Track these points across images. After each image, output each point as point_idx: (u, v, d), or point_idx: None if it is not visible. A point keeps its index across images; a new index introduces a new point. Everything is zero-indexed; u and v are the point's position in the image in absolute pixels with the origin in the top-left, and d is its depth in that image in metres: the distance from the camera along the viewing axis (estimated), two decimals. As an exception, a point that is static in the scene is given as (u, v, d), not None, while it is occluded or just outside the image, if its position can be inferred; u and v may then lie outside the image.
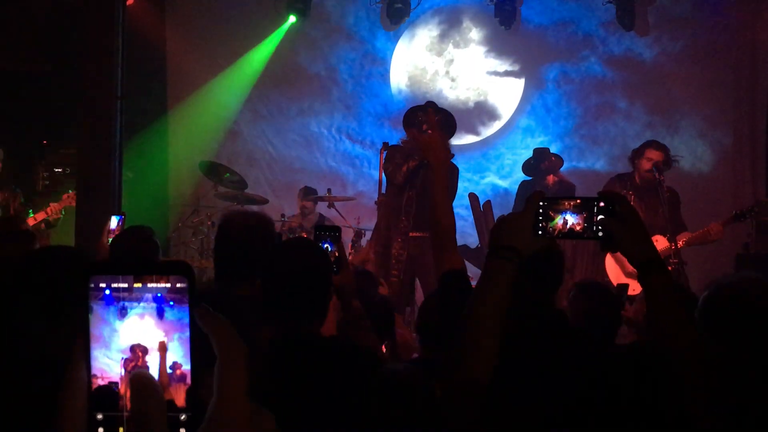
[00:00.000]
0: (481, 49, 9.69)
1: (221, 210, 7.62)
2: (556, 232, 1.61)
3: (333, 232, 2.74)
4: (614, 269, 6.06)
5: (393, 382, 2.10)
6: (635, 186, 6.09)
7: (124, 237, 3.71)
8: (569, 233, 1.61)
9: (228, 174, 7.95)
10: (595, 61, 9.43)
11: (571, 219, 1.60)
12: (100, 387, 0.80)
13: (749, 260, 6.49)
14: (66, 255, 2.10)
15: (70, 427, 0.81)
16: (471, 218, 7.62)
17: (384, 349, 2.97)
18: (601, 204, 1.59)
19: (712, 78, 8.99)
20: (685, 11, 9.15)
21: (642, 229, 1.61)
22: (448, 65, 9.74)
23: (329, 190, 8.17)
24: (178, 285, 0.80)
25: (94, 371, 0.80)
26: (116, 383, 0.80)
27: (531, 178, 7.79)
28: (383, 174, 5.89)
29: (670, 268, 5.40)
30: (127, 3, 6.65)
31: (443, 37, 9.73)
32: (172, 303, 0.80)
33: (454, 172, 5.70)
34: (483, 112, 9.70)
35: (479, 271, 1.70)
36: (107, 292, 0.80)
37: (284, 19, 9.21)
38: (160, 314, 0.80)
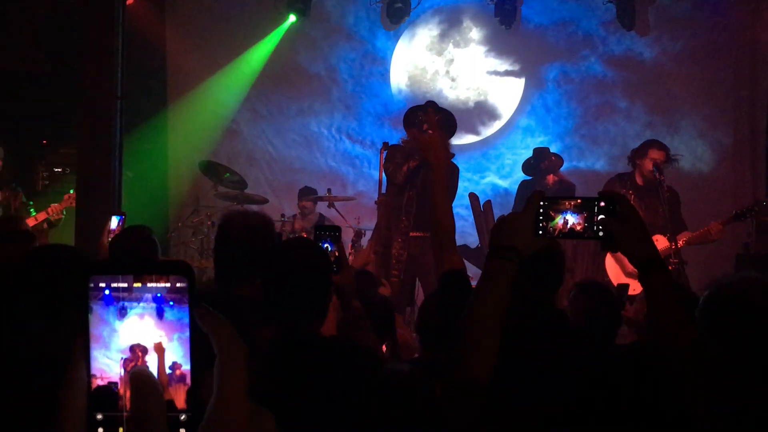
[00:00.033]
0: (481, 49, 9.69)
1: (221, 210, 7.62)
2: (556, 232, 1.61)
3: (333, 232, 2.74)
4: (614, 269, 6.06)
5: (393, 382, 2.09)
6: (635, 186, 6.09)
7: (123, 237, 3.71)
8: (570, 233, 1.61)
9: (228, 174, 7.95)
10: (595, 61, 9.43)
11: (572, 219, 1.60)
12: (100, 387, 0.80)
13: (749, 260, 6.49)
14: (65, 254, 2.10)
15: (70, 427, 0.81)
16: (471, 218, 7.62)
17: (384, 349, 2.97)
18: (602, 204, 1.59)
19: (712, 78, 8.99)
20: (685, 11, 9.14)
21: (642, 229, 1.61)
22: (448, 65, 9.74)
23: (329, 190, 8.17)
24: (178, 285, 0.80)
25: (93, 371, 0.80)
26: (116, 383, 0.80)
27: (531, 177, 7.79)
28: (383, 174, 5.88)
29: (670, 267, 5.40)
30: (127, 3, 6.64)
31: (443, 36, 9.73)
32: (171, 303, 0.80)
33: (454, 171, 5.70)
34: (483, 111, 9.70)
35: (479, 271, 1.70)
36: (107, 292, 0.80)
37: (284, 18, 9.21)
38: (159, 314, 0.80)
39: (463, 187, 7.51)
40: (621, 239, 1.59)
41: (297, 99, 9.57)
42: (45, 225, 6.28)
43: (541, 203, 1.61)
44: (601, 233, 1.59)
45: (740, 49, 8.92)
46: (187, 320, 0.80)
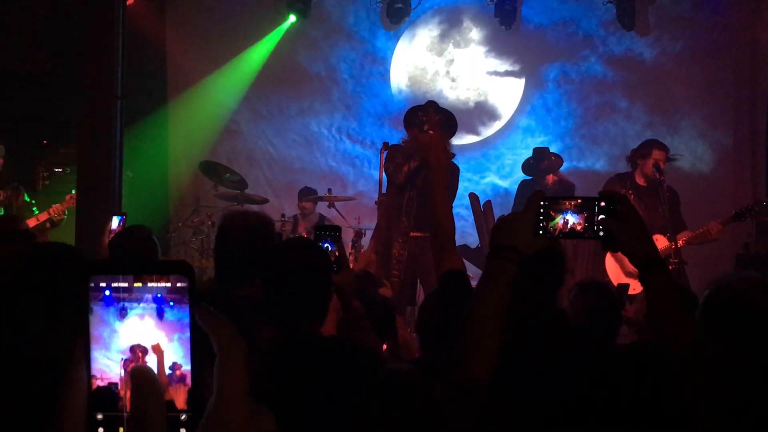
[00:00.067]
0: (482, 49, 9.69)
1: (221, 210, 7.62)
2: (556, 232, 1.61)
3: (333, 232, 2.74)
4: (614, 269, 6.06)
5: (393, 382, 2.10)
6: (635, 185, 6.09)
7: (123, 237, 3.71)
8: (570, 233, 1.61)
9: (228, 174, 7.95)
10: (596, 61, 9.43)
11: (572, 219, 1.60)
12: (100, 388, 0.80)
13: (749, 260, 6.48)
14: (65, 253, 2.10)
15: (70, 427, 0.81)
16: (471, 218, 7.62)
17: (384, 349, 2.97)
18: (602, 203, 1.59)
19: (712, 78, 8.99)
20: (685, 11, 9.14)
21: (643, 229, 1.61)
22: (448, 65, 9.74)
23: (329, 190, 8.18)
24: (179, 284, 0.80)
25: (93, 372, 0.80)
26: (116, 384, 0.80)
27: (531, 177, 7.79)
28: (383, 174, 5.88)
29: (670, 267, 5.40)
30: (127, 3, 6.64)
31: (443, 37, 9.73)
32: (172, 303, 0.80)
33: (454, 172, 5.70)
34: (483, 112, 9.70)
35: (479, 271, 1.70)
36: (107, 292, 0.80)
37: (284, 18, 9.21)
38: (160, 315, 0.80)
39: (464, 187, 7.51)
40: (621, 239, 1.59)
41: (297, 99, 9.57)
42: (48, 225, 6.29)
43: (542, 203, 1.61)
44: (601, 233, 1.59)
45: (740, 49, 8.92)
46: (187, 320, 0.80)
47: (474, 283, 2.11)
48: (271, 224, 2.95)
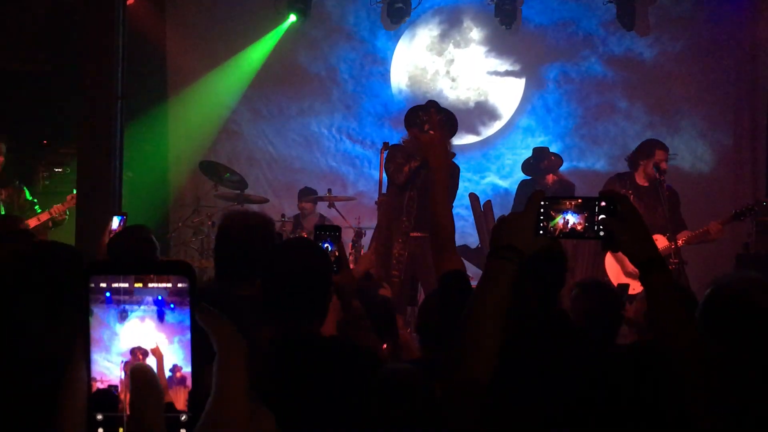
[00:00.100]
0: (482, 49, 9.68)
1: (221, 210, 7.62)
2: (557, 232, 1.61)
3: (333, 232, 2.74)
4: (614, 269, 6.06)
5: (393, 382, 2.09)
6: (635, 185, 6.09)
7: (122, 237, 3.70)
8: (570, 233, 1.61)
9: (228, 174, 7.95)
10: (596, 61, 9.43)
11: (572, 218, 1.60)
12: (100, 390, 0.80)
13: (749, 260, 6.48)
14: (64, 252, 2.10)
15: (70, 428, 0.81)
16: (471, 218, 7.62)
17: (384, 348, 2.97)
18: (602, 203, 1.59)
19: (712, 78, 8.99)
20: (685, 11, 9.14)
21: (643, 228, 1.61)
22: (448, 65, 9.74)
23: (329, 190, 8.18)
24: (179, 285, 0.80)
25: (93, 374, 0.80)
26: (116, 386, 0.80)
27: (530, 177, 7.79)
28: (384, 174, 5.88)
29: (670, 267, 5.40)
30: (128, 3, 6.64)
31: (444, 36, 9.73)
32: (172, 306, 0.80)
33: (455, 171, 5.70)
34: (483, 112, 9.70)
35: (479, 271, 1.70)
36: (108, 294, 0.79)
37: (284, 18, 9.21)
38: (160, 317, 0.80)
39: (464, 187, 7.51)
40: (621, 239, 1.59)
41: (297, 99, 9.57)
42: (50, 224, 6.30)
43: (542, 203, 1.61)
44: (601, 233, 1.59)
45: (740, 49, 8.92)
46: (188, 323, 0.80)
47: (474, 283, 2.11)
48: (271, 224, 2.95)
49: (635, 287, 5.25)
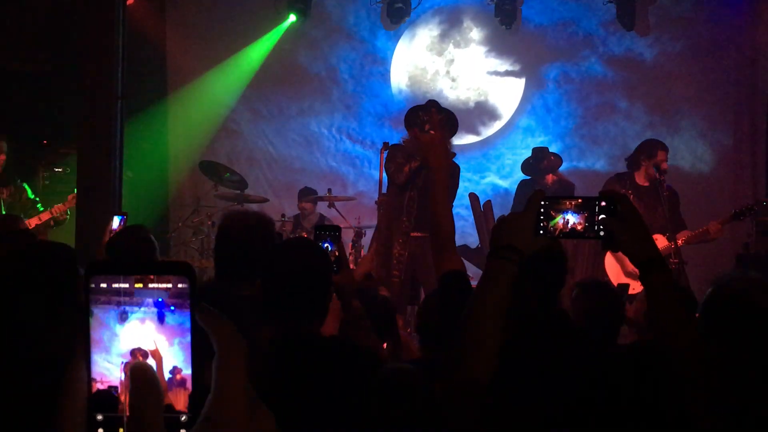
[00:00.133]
0: (482, 49, 9.68)
1: (221, 210, 7.62)
2: (557, 232, 1.61)
3: (333, 232, 2.73)
4: (614, 269, 6.06)
5: (393, 382, 2.09)
6: (635, 185, 6.09)
7: (121, 237, 3.69)
8: (570, 233, 1.61)
9: (228, 174, 7.95)
10: (596, 61, 9.43)
11: (573, 218, 1.60)
12: (100, 391, 0.80)
13: (749, 260, 6.48)
14: (60, 251, 2.10)
15: (70, 428, 0.81)
16: (471, 218, 7.62)
17: (384, 347, 2.97)
18: (603, 203, 1.59)
19: (712, 78, 8.99)
20: (685, 11, 9.14)
21: (643, 228, 1.61)
22: (448, 65, 9.74)
23: (329, 190, 8.18)
24: (180, 286, 0.80)
25: (93, 375, 0.80)
26: (116, 387, 0.80)
27: (530, 177, 7.79)
28: (384, 174, 5.88)
29: (670, 267, 5.39)
30: (128, 3, 6.64)
31: (444, 36, 9.73)
32: (173, 308, 0.80)
33: (455, 171, 5.70)
34: (483, 112, 9.70)
35: (479, 271, 1.70)
36: (108, 295, 0.79)
37: (284, 17, 9.21)
38: (160, 319, 0.80)
39: (464, 187, 7.51)
40: (621, 239, 1.59)
41: (297, 99, 9.57)
42: (52, 223, 6.30)
43: (542, 203, 1.61)
44: (601, 233, 1.59)
45: (740, 49, 8.92)
46: (188, 325, 0.80)
47: (474, 283, 2.11)
48: (271, 224, 2.95)
49: (635, 287, 5.25)
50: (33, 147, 7.80)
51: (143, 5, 8.40)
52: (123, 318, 0.80)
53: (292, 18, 9.19)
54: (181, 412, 0.80)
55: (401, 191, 5.64)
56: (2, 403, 1.66)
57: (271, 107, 9.60)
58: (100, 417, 0.80)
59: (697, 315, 1.98)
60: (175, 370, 0.80)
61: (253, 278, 2.47)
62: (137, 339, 0.80)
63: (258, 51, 9.32)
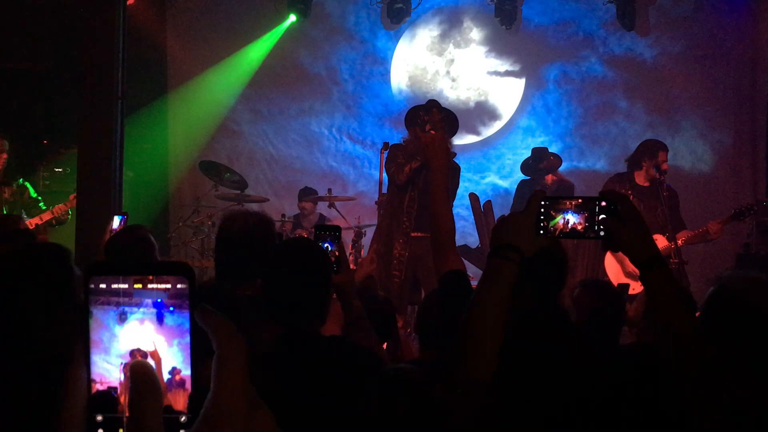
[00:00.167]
0: (482, 49, 9.69)
1: (221, 210, 7.62)
2: (557, 232, 1.61)
3: (333, 232, 2.73)
4: (614, 269, 6.06)
5: (393, 382, 2.09)
6: (634, 185, 6.09)
7: (120, 237, 3.69)
8: (571, 233, 1.60)
9: (228, 174, 7.95)
10: (596, 61, 9.43)
11: (573, 218, 1.60)
12: (99, 392, 0.80)
13: (749, 260, 6.49)
14: (53, 250, 2.10)
15: (70, 429, 0.81)
16: (471, 218, 7.62)
17: (384, 347, 2.97)
18: (603, 203, 1.59)
19: (712, 78, 8.99)
20: (685, 11, 9.15)
21: (643, 228, 1.61)
22: (448, 65, 9.74)
23: (329, 190, 8.18)
24: (179, 286, 0.80)
25: (93, 376, 0.80)
26: (115, 388, 0.80)
27: (529, 177, 7.79)
28: (384, 174, 5.88)
29: (670, 267, 5.39)
30: (128, 2, 6.64)
31: (444, 37, 9.73)
32: (172, 308, 0.79)
33: (455, 171, 5.70)
34: (483, 112, 9.70)
35: (479, 271, 1.70)
36: (107, 296, 0.79)
37: (284, 17, 9.21)
38: (159, 320, 0.79)
39: (464, 187, 7.51)
40: (622, 239, 1.59)
41: (298, 99, 9.57)
42: (54, 222, 6.31)
43: (542, 203, 1.61)
44: (602, 233, 1.59)
45: (741, 49, 8.92)
46: (187, 326, 0.80)
47: (474, 283, 2.10)
48: (272, 224, 2.95)
49: (635, 287, 5.26)
50: (33, 147, 7.81)
51: (143, 5, 8.40)
52: (122, 319, 0.79)
53: (292, 18, 9.19)
54: (180, 413, 0.80)
55: (401, 191, 5.64)
56: (2, 404, 1.66)
57: (271, 107, 9.60)
58: (99, 418, 0.80)
59: (697, 314, 1.98)
60: (174, 371, 0.80)
61: (253, 278, 2.47)
62: (136, 340, 0.79)
63: (258, 51, 9.33)
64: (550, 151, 7.94)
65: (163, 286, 0.79)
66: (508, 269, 1.59)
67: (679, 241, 5.82)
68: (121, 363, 0.80)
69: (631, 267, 5.34)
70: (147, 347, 0.80)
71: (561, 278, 2.10)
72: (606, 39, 9.40)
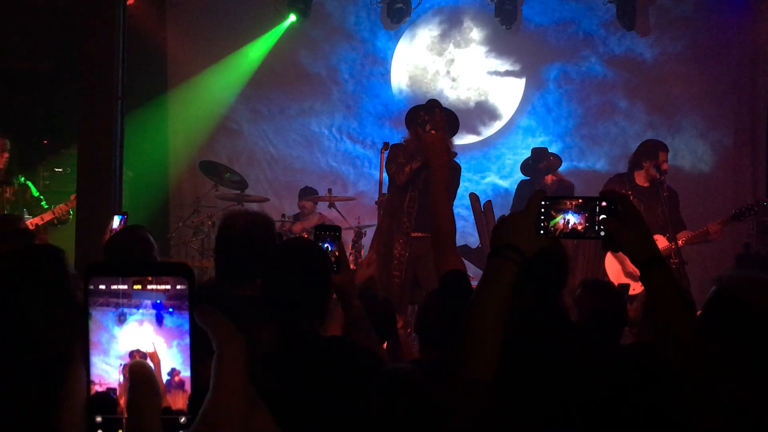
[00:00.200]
0: (482, 49, 9.68)
1: (221, 210, 7.62)
2: (557, 232, 1.61)
3: (333, 232, 2.73)
4: (614, 269, 6.06)
5: (393, 382, 2.09)
6: (635, 186, 6.08)
7: (119, 237, 3.69)
8: (571, 233, 1.60)
9: (228, 174, 7.95)
10: (596, 61, 9.43)
11: (573, 218, 1.60)
12: (98, 393, 0.80)
13: (749, 260, 6.49)
14: (47, 251, 2.09)
15: (69, 430, 0.81)
16: (471, 218, 7.62)
17: (384, 347, 2.96)
18: (603, 203, 1.59)
19: (712, 78, 8.99)
20: (685, 11, 9.15)
21: (644, 228, 1.61)
22: (448, 65, 9.74)
23: (330, 190, 8.18)
24: (178, 287, 0.79)
25: (92, 377, 0.80)
26: (114, 389, 0.79)
27: (529, 178, 7.78)
28: (384, 174, 5.88)
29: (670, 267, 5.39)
30: (128, 2, 6.64)
31: (444, 36, 9.73)
32: (171, 310, 0.79)
33: (456, 170, 5.70)
34: (484, 112, 9.70)
35: (479, 271, 1.69)
36: (106, 297, 0.79)
37: (284, 17, 9.21)
38: (159, 321, 0.79)
39: (464, 187, 7.51)
40: (622, 239, 1.59)
41: (298, 99, 9.57)
42: (55, 222, 6.31)
43: (543, 203, 1.61)
44: (602, 233, 1.59)
45: (740, 49, 8.92)
46: (186, 327, 0.79)
47: (474, 283, 2.10)
48: (272, 224, 2.95)
49: (635, 287, 5.26)
50: (33, 147, 7.80)
51: (143, 5, 8.40)
52: (121, 320, 0.79)
53: (292, 18, 9.19)
54: (180, 414, 0.80)
55: (402, 191, 5.64)
56: (2, 404, 1.66)
57: (271, 107, 9.60)
58: (99, 419, 0.79)
59: (698, 314, 1.98)
60: (173, 372, 0.80)
61: (253, 278, 2.47)
62: (135, 341, 0.79)
63: (258, 50, 9.33)
64: (550, 151, 7.93)
65: (162, 287, 0.79)
66: (508, 269, 1.59)
67: (680, 242, 5.82)
68: (121, 364, 0.79)
69: (632, 267, 5.34)
70: (146, 348, 0.79)
71: (561, 278, 2.10)
72: (606, 39, 9.40)
